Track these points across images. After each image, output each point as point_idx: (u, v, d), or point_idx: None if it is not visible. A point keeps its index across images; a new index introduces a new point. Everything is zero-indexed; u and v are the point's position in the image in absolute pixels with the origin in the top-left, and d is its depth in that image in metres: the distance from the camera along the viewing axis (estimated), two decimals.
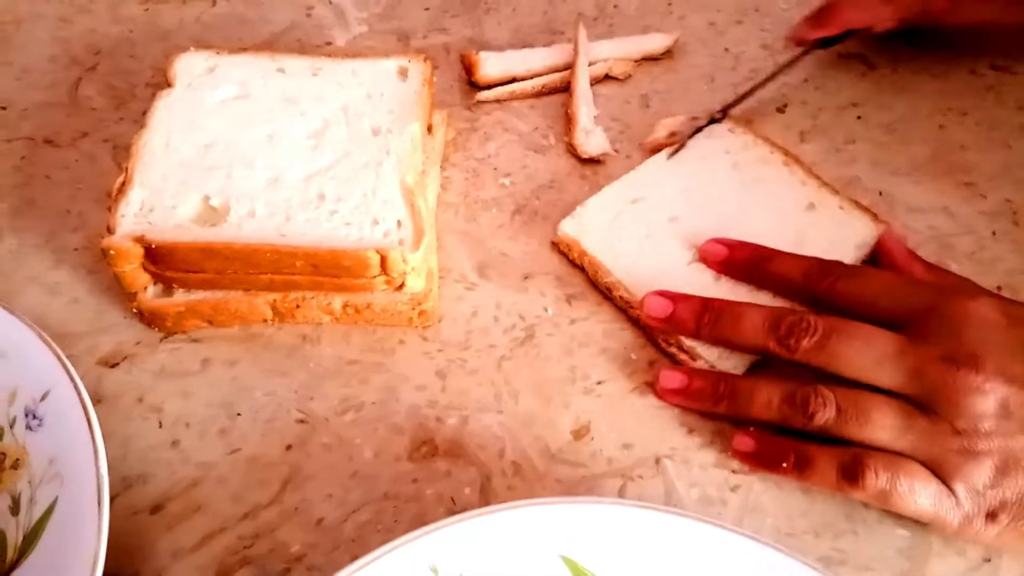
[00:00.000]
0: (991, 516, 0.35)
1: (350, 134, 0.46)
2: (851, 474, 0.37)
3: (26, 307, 0.45)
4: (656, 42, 0.59)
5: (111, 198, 0.43)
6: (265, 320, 0.45)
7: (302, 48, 0.60)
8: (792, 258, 0.43)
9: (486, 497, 0.40)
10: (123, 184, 0.44)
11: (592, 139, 0.53)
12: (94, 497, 0.34)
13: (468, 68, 0.57)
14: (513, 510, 0.34)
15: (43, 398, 0.38)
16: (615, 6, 0.63)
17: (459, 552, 0.33)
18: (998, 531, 0.36)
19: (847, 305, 0.40)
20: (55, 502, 0.35)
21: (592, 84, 0.56)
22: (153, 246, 0.41)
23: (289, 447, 0.41)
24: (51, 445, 0.37)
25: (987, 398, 0.35)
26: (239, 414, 0.42)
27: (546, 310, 0.46)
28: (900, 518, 0.38)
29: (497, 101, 0.56)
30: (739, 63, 0.59)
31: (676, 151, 0.50)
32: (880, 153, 0.53)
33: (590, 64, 0.57)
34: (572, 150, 0.53)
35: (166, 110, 0.47)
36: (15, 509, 0.36)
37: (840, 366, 0.38)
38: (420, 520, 0.38)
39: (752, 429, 0.40)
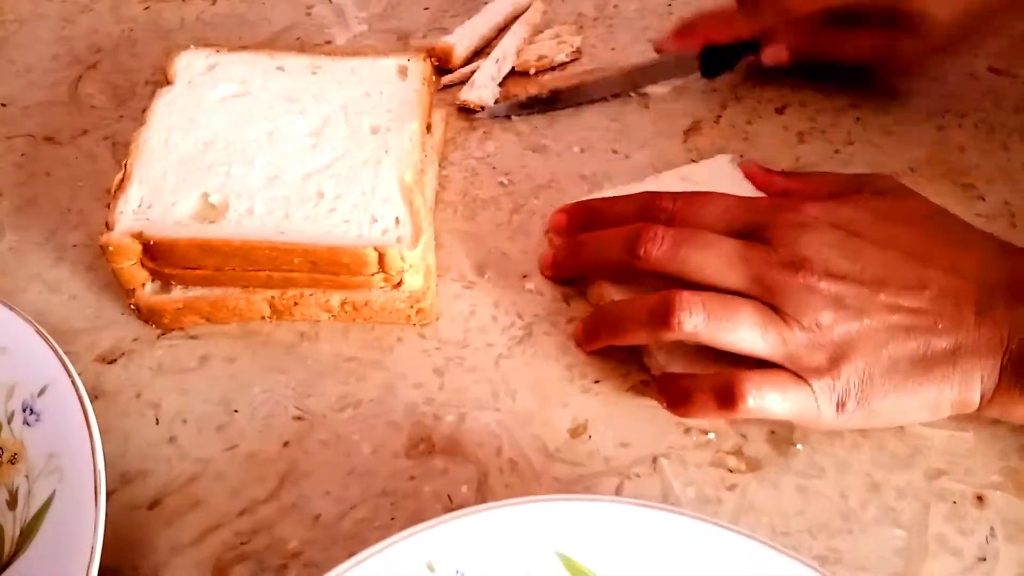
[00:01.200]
0: (840, 405, 0.38)
1: (349, 132, 0.46)
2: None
3: (27, 303, 0.45)
4: None
5: (111, 195, 0.43)
6: (263, 317, 0.45)
7: (302, 47, 0.60)
8: (625, 200, 0.45)
9: (483, 495, 0.40)
10: (122, 181, 0.44)
11: (475, 90, 0.55)
12: (91, 492, 0.34)
13: (443, 59, 0.57)
14: (509, 507, 0.35)
15: (41, 393, 0.38)
16: (615, 6, 0.63)
17: (456, 549, 0.33)
18: (848, 417, 0.38)
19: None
20: (52, 496, 0.35)
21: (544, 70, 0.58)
22: (152, 242, 0.41)
23: (287, 443, 0.41)
24: (49, 440, 0.37)
25: (822, 295, 0.38)
26: (237, 411, 0.42)
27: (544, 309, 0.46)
28: (895, 517, 0.39)
29: (462, 81, 0.56)
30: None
31: None
32: (878, 155, 0.53)
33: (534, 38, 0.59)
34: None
35: (166, 108, 0.47)
36: (12, 503, 0.36)
37: (692, 272, 0.40)
38: (417, 517, 0.38)
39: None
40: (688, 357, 0.41)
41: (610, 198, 0.46)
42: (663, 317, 0.39)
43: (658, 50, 0.54)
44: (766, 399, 0.38)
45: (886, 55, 0.51)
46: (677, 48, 0.54)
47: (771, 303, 0.38)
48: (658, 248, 0.40)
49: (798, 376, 0.38)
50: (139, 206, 0.43)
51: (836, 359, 0.38)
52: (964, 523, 0.39)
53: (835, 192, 0.44)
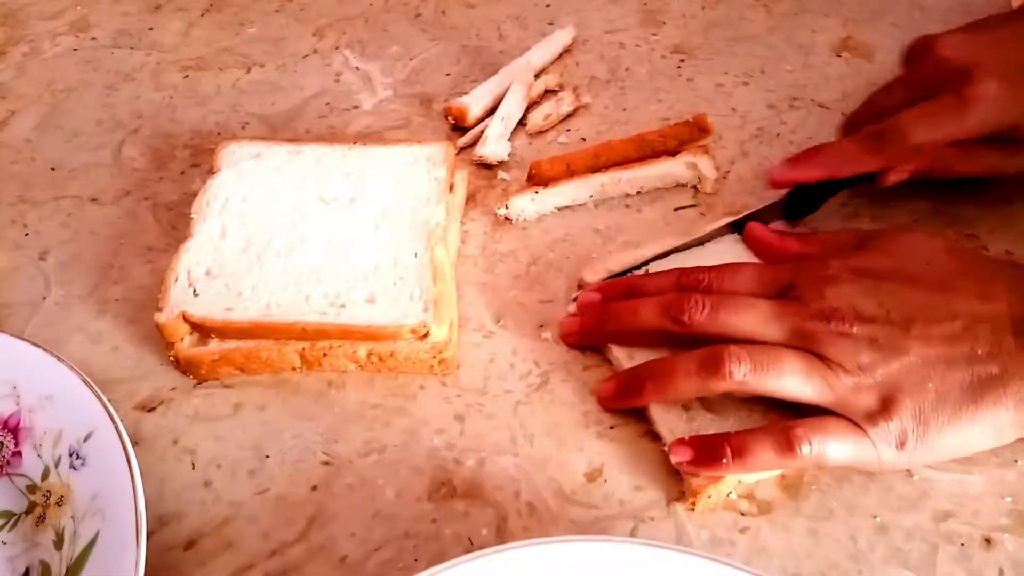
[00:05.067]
0: (900, 444, 0.39)
1: (382, 219, 0.50)
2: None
3: (71, 354, 0.47)
4: (562, 37, 0.67)
5: (162, 284, 0.47)
6: (294, 368, 0.47)
7: (331, 111, 0.63)
8: (659, 276, 0.48)
9: (502, 537, 0.41)
10: (172, 269, 0.47)
11: (487, 146, 0.58)
12: (132, 533, 0.36)
13: (458, 117, 0.60)
14: (528, 548, 0.36)
15: (86, 439, 0.40)
16: (626, 69, 0.66)
17: None
18: (910, 455, 0.40)
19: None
20: (96, 537, 0.37)
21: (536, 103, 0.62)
22: (199, 324, 0.45)
23: (315, 487, 0.43)
24: (93, 483, 0.39)
25: (857, 339, 0.40)
26: (268, 456, 0.44)
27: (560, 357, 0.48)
28: (903, 559, 0.40)
29: (475, 141, 0.59)
30: (746, 122, 0.62)
31: None
32: (883, 207, 0.55)
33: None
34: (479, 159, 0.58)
35: (212, 200, 0.51)
36: (59, 543, 0.38)
37: (732, 332, 0.42)
38: (439, 558, 0.40)
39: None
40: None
41: (642, 275, 0.49)
42: (713, 369, 0.41)
43: (773, 183, 0.52)
44: (824, 446, 0.39)
45: (1000, 171, 0.52)
46: (799, 180, 0.52)
47: (813, 351, 0.40)
48: (700, 313, 0.42)
49: (854, 424, 0.40)
50: (188, 290, 0.46)
51: (885, 400, 0.39)
52: (972, 565, 0.39)
53: (852, 246, 0.46)
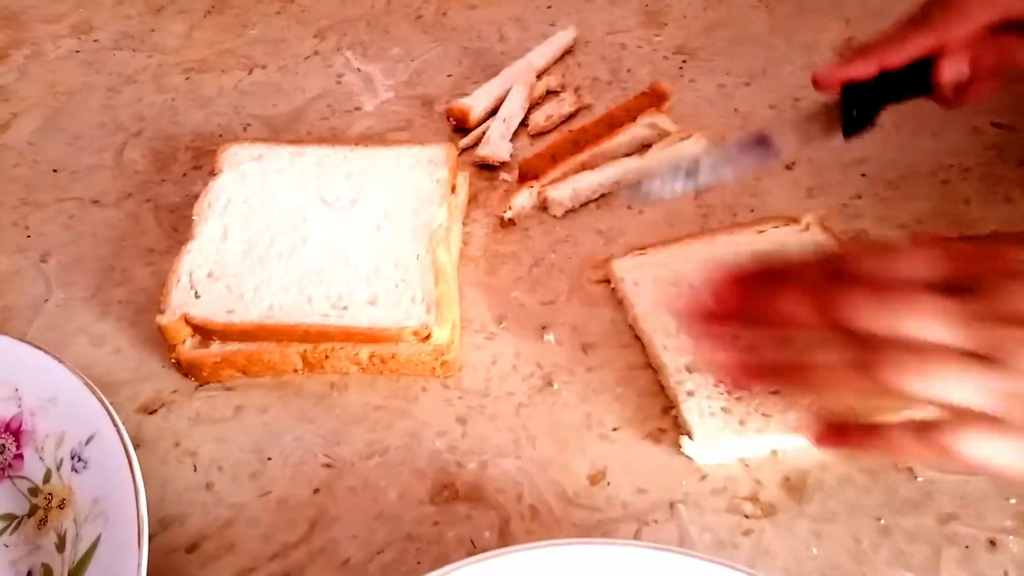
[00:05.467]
0: None
1: (384, 220, 0.50)
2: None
3: (73, 356, 0.47)
4: (564, 38, 0.67)
5: (164, 287, 0.47)
6: (295, 370, 0.47)
7: (333, 112, 0.63)
8: (805, 272, 0.35)
9: (505, 540, 0.41)
10: (174, 271, 0.47)
11: (490, 146, 0.58)
12: (135, 535, 0.36)
13: (460, 119, 0.61)
14: (530, 551, 0.36)
15: (88, 442, 0.40)
16: (628, 70, 0.66)
17: None
18: None
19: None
20: (98, 540, 0.37)
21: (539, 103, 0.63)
22: (200, 325, 0.45)
23: (317, 490, 0.43)
24: (95, 486, 0.39)
25: None
26: (270, 458, 0.44)
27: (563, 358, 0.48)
28: (907, 561, 0.39)
29: (476, 142, 0.59)
30: (748, 123, 0.61)
31: None
32: (885, 208, 0.55)
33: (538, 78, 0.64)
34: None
35: (213, 202, 0.51)
36: (61, 546, 0.38)
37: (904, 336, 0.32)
38: (442, 561, 0.40)
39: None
40: None
41: (782, 269, 0.36)
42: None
43: (819, 83, 0.47)
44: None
45: None
46: (846, 77, 0.47)
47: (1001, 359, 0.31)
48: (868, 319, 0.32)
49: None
50: (190, 292, 0.46)
51: None
52: (976, 567, 0.39)
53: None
